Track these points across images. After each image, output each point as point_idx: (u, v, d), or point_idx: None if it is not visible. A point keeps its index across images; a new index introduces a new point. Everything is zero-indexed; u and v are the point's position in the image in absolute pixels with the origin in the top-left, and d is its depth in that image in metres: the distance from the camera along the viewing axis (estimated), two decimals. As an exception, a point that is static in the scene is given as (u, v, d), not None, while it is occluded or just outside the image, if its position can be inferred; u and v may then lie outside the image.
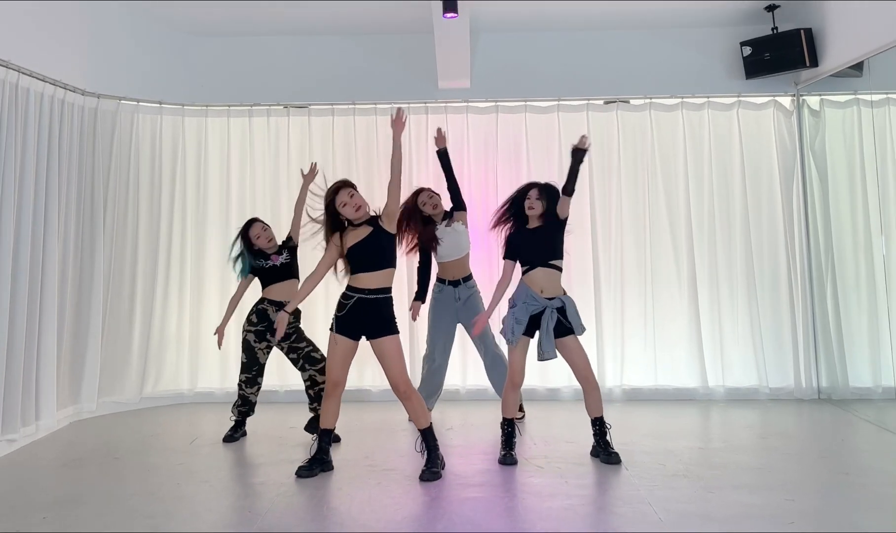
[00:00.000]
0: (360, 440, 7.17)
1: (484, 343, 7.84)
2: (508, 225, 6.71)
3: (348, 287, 6.05)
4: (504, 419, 6.60)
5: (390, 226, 6.04)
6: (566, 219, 6.47)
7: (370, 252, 5.97)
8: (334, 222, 6.10)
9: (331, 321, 6.10)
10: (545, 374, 8.97)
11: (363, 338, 6.04)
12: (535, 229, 6.50)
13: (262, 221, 7.57)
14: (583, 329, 6.44)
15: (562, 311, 6.37)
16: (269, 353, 7.39)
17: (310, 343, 7.37)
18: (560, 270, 6.48)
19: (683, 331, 9.16)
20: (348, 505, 5.33)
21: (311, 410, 7.35)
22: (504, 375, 7.53)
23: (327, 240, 6.15)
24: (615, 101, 9.41)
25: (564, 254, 6.52)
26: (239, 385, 7.35)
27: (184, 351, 9.24)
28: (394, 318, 6.05)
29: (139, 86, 9.12)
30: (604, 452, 6.40)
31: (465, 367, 9.04)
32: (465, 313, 7.79)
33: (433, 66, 9.35)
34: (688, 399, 9.00)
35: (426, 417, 6.02)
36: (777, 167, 9.26)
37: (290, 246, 7.54)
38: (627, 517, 4.99)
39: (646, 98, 9.40)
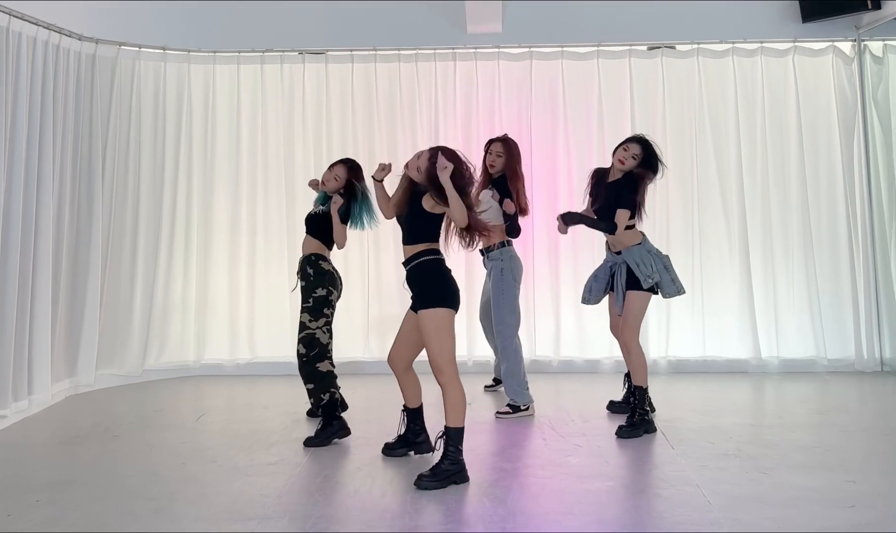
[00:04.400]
0: (381, 417, 6.93)
1: (491, 329, 7.45)
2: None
3: None
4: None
5: (431, 206, 5.37)
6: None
7: (402, 221, 5.55)
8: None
9: None
10: (584, 345, 8.88)
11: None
12: (609, 184, 6.58)
13: (339, 162, 6.77)
14: (649, 281, 6.33)
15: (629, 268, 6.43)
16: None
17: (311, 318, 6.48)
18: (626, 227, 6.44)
19: (734, 297, 8.91)
20: (369, 486, 5.20)
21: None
22: (507, 372, 7.16)
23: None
24: (660, 48, 9.10)
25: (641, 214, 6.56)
26: None
27: (189, 320, 9.02)
28: (436, 287, 5.36)
29: (141, 30, 8.83)
30: (627, 422, 6.36)
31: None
32: (489, 286, 7.42)
33: (461, 10, 9.04)
34: (739, 371, 8.78)
35: (456, 417, 5.24)
36: (836, 119, 9.00)
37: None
38: (673, 500, 4.85)
39: (693, 44, 9.08)
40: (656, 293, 6.42)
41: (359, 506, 4.82)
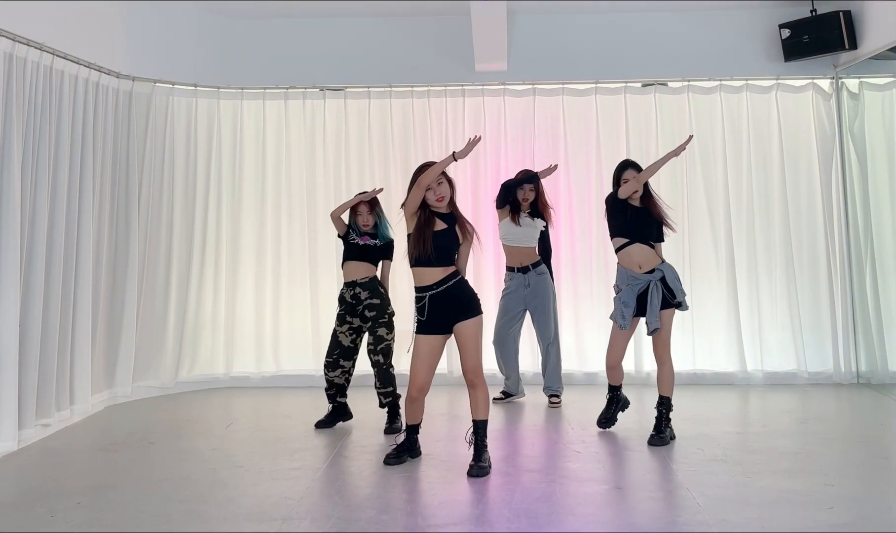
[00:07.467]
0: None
1: (542, 334, 7.84)
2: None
3: (416, 288, 5.57)
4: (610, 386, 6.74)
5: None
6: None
7: (443, 248, 5.51)
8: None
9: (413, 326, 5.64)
10: (584, 358, 8.82)
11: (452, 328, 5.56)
12: (639, 209, 6.42)
13: (372, 204, 7.02)
14: (684, 294, 6.38)
15: (664, 280, 6.28)
16: (353, 336, 6.87)
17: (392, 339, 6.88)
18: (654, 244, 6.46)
19: (722, 315, 8.82)
20: (385, 489, 5.22)
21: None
22: (555, 366, 7.81)
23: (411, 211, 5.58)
24: (653, 84, 9.04)
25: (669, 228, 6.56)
26: (323, 367, 7.00)
27: (219, 335, 8.92)
28: (475, 297, 5.60)
29: (174, 68, 8.79)
30: (655, 431, 6.30)
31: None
32: (531, 298, 7.72)
33: (470, 49, 9.02)
34: (726, 384, 8.71)
35: (486, 410, 5.52)
36: (816, 150, 8.92)
37: (387, 241, 7.02)
38: (665, 502, 4.90)
39: (684, 81, 9.02)
40: (679, 308, 6.38)
41: (375, 507, 4.81)
